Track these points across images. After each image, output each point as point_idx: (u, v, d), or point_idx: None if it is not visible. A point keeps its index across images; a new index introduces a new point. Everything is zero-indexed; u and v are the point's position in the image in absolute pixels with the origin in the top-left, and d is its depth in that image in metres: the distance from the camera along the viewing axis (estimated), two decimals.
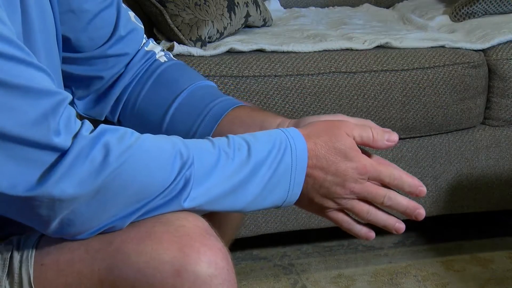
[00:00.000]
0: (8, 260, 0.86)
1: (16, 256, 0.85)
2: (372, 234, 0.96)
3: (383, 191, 0.92)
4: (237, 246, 1.20)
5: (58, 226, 0.80)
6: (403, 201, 0.93)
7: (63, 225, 0.80)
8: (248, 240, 1.91)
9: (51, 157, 0.76)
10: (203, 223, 0.82)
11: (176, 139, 0.84)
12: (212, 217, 0.88)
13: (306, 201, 0.93)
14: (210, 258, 0.78)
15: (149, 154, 0.80)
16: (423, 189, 0.94)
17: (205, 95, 1.06)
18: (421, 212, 0.94)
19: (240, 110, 1.03)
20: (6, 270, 0.85)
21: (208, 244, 0.79)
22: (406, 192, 0.93)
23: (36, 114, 0.74)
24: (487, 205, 1.97)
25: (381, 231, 2.08)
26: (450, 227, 2.14)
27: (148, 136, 0.82)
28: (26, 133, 0.74)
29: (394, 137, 0.94)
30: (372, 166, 0.91)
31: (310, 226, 1.87)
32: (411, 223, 2.14)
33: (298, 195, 0.91)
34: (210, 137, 0.88)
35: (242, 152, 0.86)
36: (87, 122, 0.79)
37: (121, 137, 0.79)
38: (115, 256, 0.80)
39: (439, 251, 2.01)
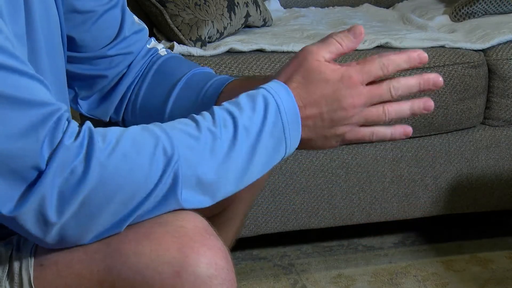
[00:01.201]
0: (8, 260, 0.85)
1: (16, 256, 0.85)
2: (409, 128, 0.91)
3: (385, 84, 0.88)
4: (237, 246, 1.20)
5: (53, 240, 0.79)
6: (412, 80, 0.89)
7: (57, 239, 0.79)
8: (248, 240, 1.91)
9: (34, 172, 0.75)
10: (202, 223, 0.82)
11: (160, 133, 0.81)
12: (213, 219, 0.87)
13: (320, 141, 0.90)
14: (210, 259, 0.78)
15: (129, 158, 0.78)
16: (423, 54, 0.89)
17: (200, 80, 1.05)
18: (437, 79, 0.89)
19: (231, 85, 1.02)
20: (6, 271, 0.85)
21: (208, 244, 0.79)
22: (409, 67, 0.89)
23: (24, 125, 0.73)
24: (487, 205, 1.97)
25: (381, 231, 2.07)
26: (450, 227, 2.14)
27: (129, 135, 0.79)
28: (13, 146, 0.73)
29: (358, 29, 0.89)
30: (357, 71, 0.87)
31: (310, 226, 1.87)
32: (411, 223, 2.13)
33: (297, 145, 0.88)
34: (195, 116, 0.84)
35: (228, 128, 0.83)
36: (72, 125, 0.77)
37: (102, 142, 0.77)
38: (114, 257, 0.80)
39: (439, 251, 2.01)
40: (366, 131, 0.90)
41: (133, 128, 0.81)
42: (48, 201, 0.75)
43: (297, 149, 0.91)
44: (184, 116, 0.95)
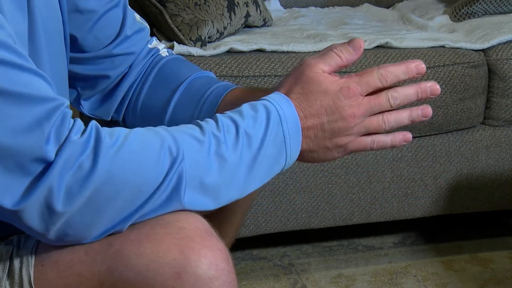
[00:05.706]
0: (9, 260, 0.85)
1: (16, 256, 0.85)
2: (409, 134, 0.93)
3: (383, 94, 0.89)
4: (237, 246, 1.20)
5: (55, 236, 0.79)
6: (410, 89, 0.90)
7: (59, 235, 0.79)
8: (248, 240, 1.91)
9: (39, 166, 0.75)
10: (203, 224, 0.82)
11: (165, 134, 0.82)
12: (213, 217, 0.87)
13: (322, 153, 0.91)
14: (211, 260, 0.78)
15: (137, 155, 0.79)
16: (421, 65, 0.90)
17: (201, 85, 1.06)
18: (434, 87, 0.90)
19: (232, 93, 1.03)
20: (7, 271, 0.85)
21: (209, 245, 0.79)
22: (407, 79, 0.90)
23: (29, 121, 0.74)
24: (487, 205, 1.97)
25: (381, 231, 2.07)
26: (450, 227, 2.14)
27: (136, 134, 0.81)
28: (18, 141, 0.74)
29: (359, 42, 0.90)
30: (355, 83, 0.88)
31: (310, 226, 1.87)
32: (411, 223, 2.13)
33: (297, 156, 0.89)
34: (199, 121, 0.86)
35: (231, 134, 0.84)
36: (78, 123, 0.78)
37: (109, 139, 0.78)
38: (115, 258, 0.80)
39: (439, 251, 2.01)
40: (367, 140, 0.92)
41: (139, 129, 0.82)
42: (55, 195, 0.75)
43: (301, 161, 0.92)
44: (185, 121, 0.96)
